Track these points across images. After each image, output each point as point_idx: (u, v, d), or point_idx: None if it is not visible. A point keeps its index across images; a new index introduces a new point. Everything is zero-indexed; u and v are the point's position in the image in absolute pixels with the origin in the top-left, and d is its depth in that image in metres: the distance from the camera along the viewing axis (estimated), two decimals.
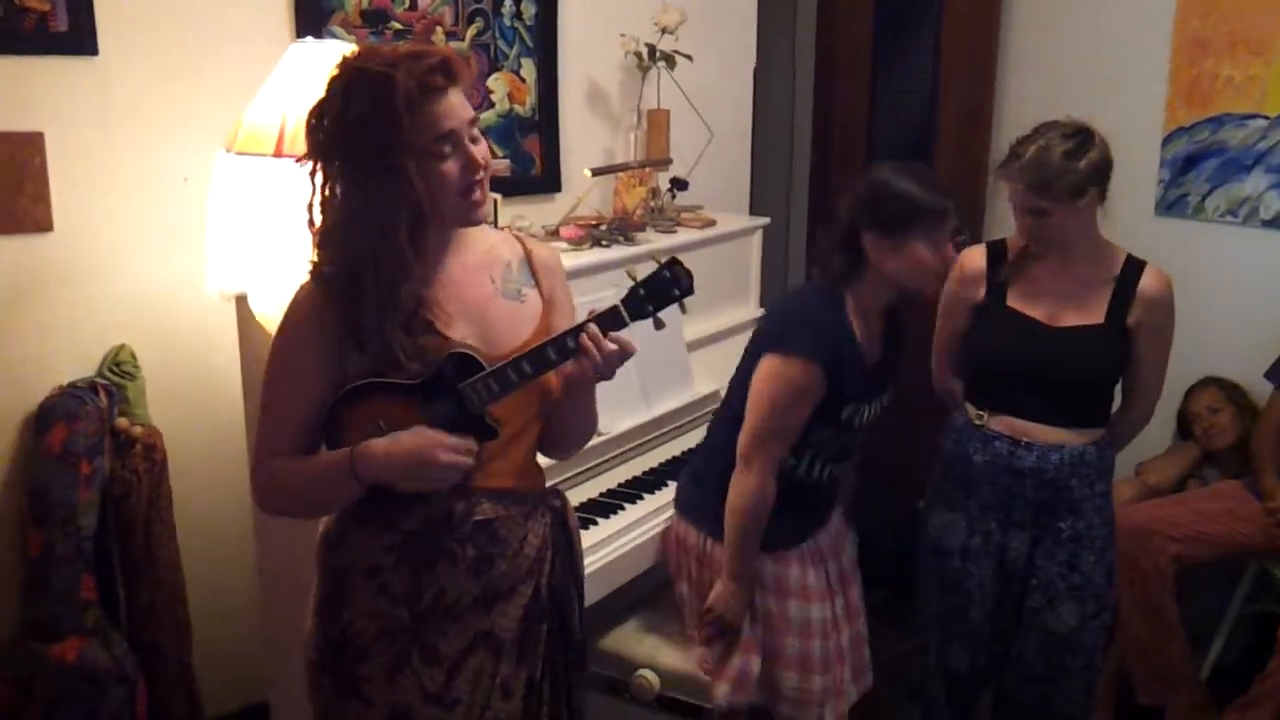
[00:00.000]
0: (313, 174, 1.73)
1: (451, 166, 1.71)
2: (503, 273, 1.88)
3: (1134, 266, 2.56)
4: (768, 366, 2.33)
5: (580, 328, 1.76)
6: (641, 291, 1.78)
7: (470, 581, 1.82)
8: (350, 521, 1.84)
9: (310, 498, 1.82)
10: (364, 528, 1.82)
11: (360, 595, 1.81)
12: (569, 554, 2.00)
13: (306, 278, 1.77)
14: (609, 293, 2.87)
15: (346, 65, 1.70)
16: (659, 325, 1.83)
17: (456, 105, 1.71)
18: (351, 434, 1.74)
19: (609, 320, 1.76)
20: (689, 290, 1.79)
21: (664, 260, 1.80)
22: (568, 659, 2.00)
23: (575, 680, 2.03)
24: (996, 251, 2.64)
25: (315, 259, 1.76)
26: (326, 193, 1.72)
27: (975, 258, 2.66)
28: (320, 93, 1.71)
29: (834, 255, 2.36)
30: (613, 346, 1.76)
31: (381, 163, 1.67)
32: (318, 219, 1.75)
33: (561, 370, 1.82)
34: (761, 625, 2.43)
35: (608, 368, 1.78)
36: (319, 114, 1.70)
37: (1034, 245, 2.52)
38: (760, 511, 2.37)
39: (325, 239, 1.74)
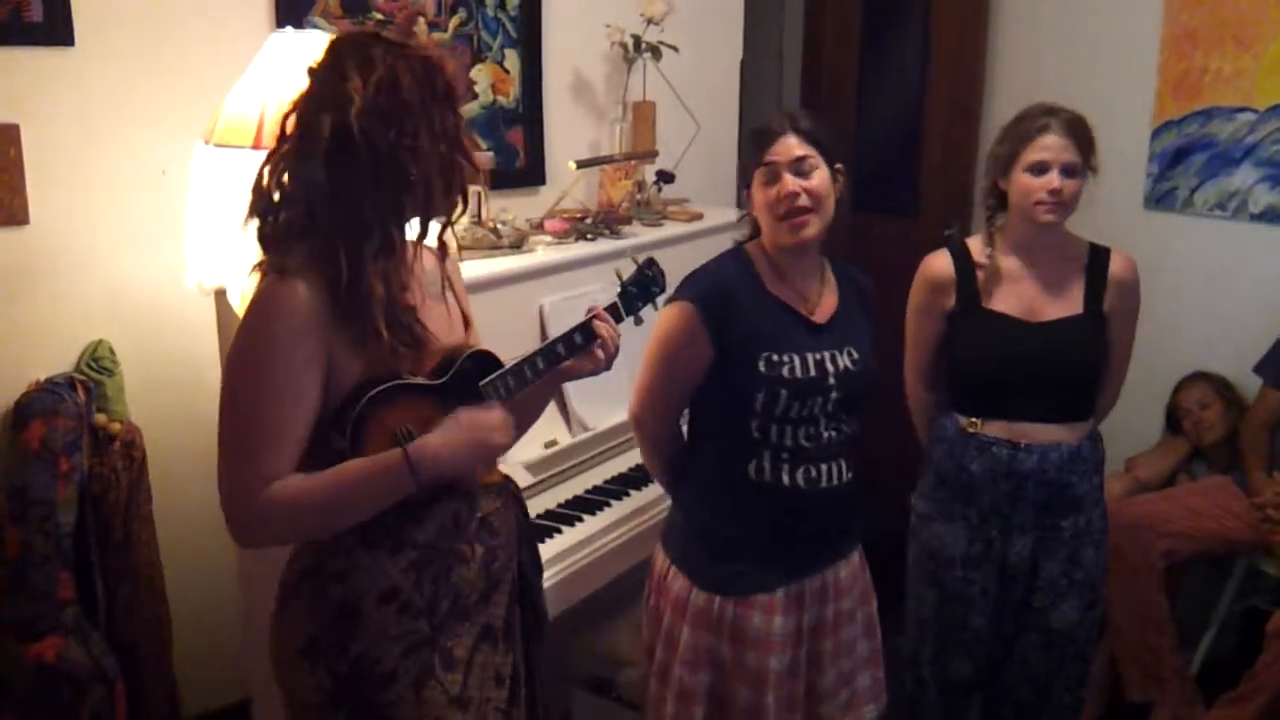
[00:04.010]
0: (331, 153, 1.64)
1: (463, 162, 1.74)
2: (426, 276, 1.87)
3: (1100, 253, 2.57)
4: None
5: (587, 324, 1.89)
6: (633, 290, 1.96)
7: (479, 578, 1.83)
8: (357, 550, 1.73)
9: (341, 513, 1.68)
10: (373, 552, 1.73)
11: (374, 622, 1.73)
12: (527, 532, 2.04)
13: (272, 278, 1.65)
14: (595, 286, 2.86)
15: (391, 45, 1.67)
16: (639, 321, 1.99)
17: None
18: (375, 441, 1.66)
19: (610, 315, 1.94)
20: (663, 289, 2.00)
21: (643, 260, 1.96)
22: (533, 635, 2.02)
23: (540, 656, 2.04)
24: (960, 255, 2.61)
25: (289, 251, 1.67)
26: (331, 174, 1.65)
27: (941, 264, 2.62)
28: (356, 68, 1.65)
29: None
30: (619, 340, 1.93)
31: (411, 143, 1.66)
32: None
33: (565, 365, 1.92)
34: (710, 670, 2.18)
35: (613, 360, 1.93)
36: (368, 88, 1.64)
37: (1053, 211, 2.46)
38: (660, 478, 2.37)
39: (322, 218, 1.66)
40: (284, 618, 1.79)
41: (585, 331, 1.90)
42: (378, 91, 1.62)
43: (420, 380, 1.71)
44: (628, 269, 2.04)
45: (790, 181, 2.09)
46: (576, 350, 1.89)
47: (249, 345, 1.65)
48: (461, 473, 1.73)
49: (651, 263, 1.99)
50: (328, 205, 1.65)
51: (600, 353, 1.91)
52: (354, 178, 1.64)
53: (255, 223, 1.71)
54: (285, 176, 1.68)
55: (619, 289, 2.00)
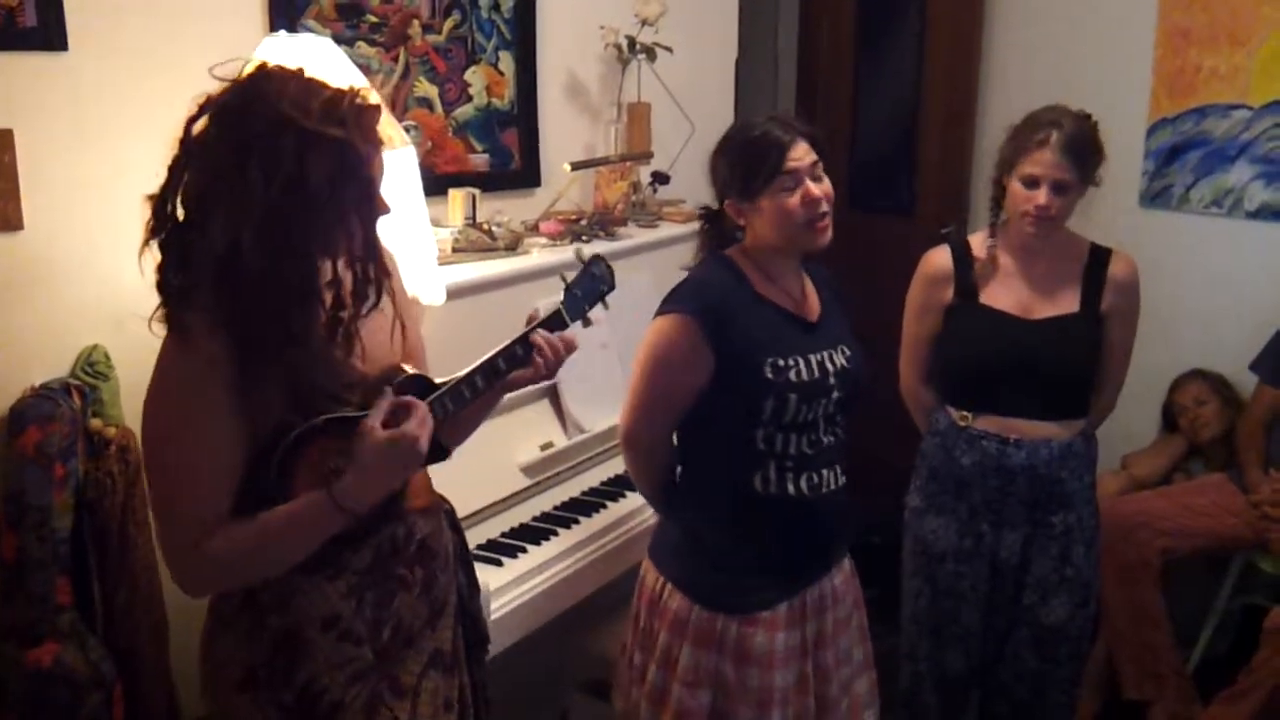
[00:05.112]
0: (242, 215, 1.53)
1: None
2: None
3: (1101, 253, 2.58)
4: (644, 336, 2.15)
5: (527, 336, 1.81)
6: (578, 292, 1.88)
7: (421, 604, 1.81)
8: (294, 576, 1.68)
9: (276, 560, 1.65)
10: (311, 578, 1.69)
11: (319, 649, 1.70)
12: (464, 554, 2.01)
13: (177, 338, 1.59)
14: None
15: (304, 133, 1.53)
16: (587, 324, 1.92)
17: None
18: (305, 479, 1.62)
19: (554, 323, 1.84)
20: (612, 286, 1.92)
21: (589, 258, 1.90)
22: (475, 658, 2.00)
23: (483, 678, 2.03)
24: (960, 250, 2.62)
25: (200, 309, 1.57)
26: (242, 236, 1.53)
27: (940, 258, 2.64)
28: (260, 163, 1.52)
29: (703, 230, 2.26)
30: (563, 351, 1.84)
31: (316, 251, 1.60)
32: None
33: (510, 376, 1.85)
34: (711, 690, 2.13)
35: (557, 368, 1.84)
36: (271, 190, 1.53)
37: (1035, 225, 2.48)
38: (653, 496, 2.28)
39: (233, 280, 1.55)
40: (216, 649, 1.75)
41: (526, 343, 1.83)
42: (282, 193, 1.52)
43: (348, 413, 1.65)
44: (575, 272, 1.97)
45: (814, 187, 2.07)
46: (519, 363, 1.81)
47: (160, 410, 1.62)
48: (390, 487, 1.68)
49: (598, 260, 1.92)
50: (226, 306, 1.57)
51: (541, 360, 1.83)
52: (248, 297, 1.55)
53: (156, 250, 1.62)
54: (191, 182, 1.60)
55: (563, 292, 1.91)
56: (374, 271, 1.65)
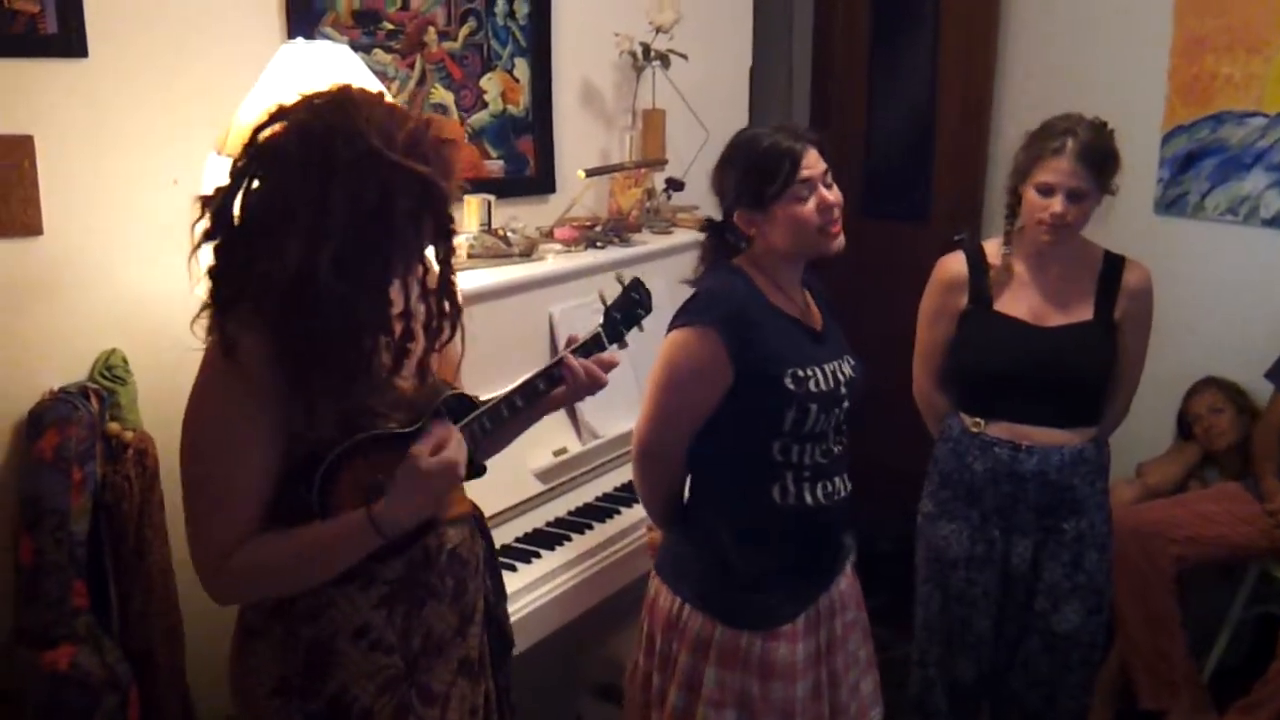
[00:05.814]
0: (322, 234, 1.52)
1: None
2: None
3: (1115, 261, 2.58)
4: (661, 348, 2.12)
5: (565, 359, 1.85)
6: (617, 315, 1.91)
7: (451, 612, 1.80)
8: (326, 588, 1.68)
9: (307, 576, 1.66)
10: (343, 589, 1.69)
11: (350, 659, 1.70)
12: (492, 560, 2.00)
13: (222, 352, 1.56)
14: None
15: (393, 165, 1.53)
16: (623, 345, 1.94)
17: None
18: (346, 495, 1.63)
19: (592, 346, 1.88)
20: (649, 309, 1.94)
21: (629, 281, 1.92)
22: (499, 663, 2.00)
23: (506, 683, 2.02)
24: (975, 257, 2.62)
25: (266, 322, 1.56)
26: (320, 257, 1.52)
27: (955, 264, 2.64)
28: (344, 189, 1.52)
29: (708, 243, 2.24)
30: (600, 372, 1.88)
31: (388, 281, 1.61)
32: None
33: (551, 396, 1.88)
34: (736, 708, 2.11)
35: (597, 386, 1.88)
36: (354, 220, 1.53)
37: (1051, 234, 2.48)
38: (662, 512, 2.25)
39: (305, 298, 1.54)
40: (248, 658, 1.75)
41: (566, 366, 1.86)
42: (366, 223, 1.53)
43: (391, 430, 1.65)
44: (612, 289, 1.98)
45: (828, 193, 2.08)
46: (558, 383, 1.84)
47: (201, 426, 1.63)
48: (427, 510, 1.67)
49: (638, 284, 1.92)
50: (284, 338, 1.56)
51: (575, 383, 1.85)
52: (315, 323, 1.55)
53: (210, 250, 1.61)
54: (254, 184, 1.59)
55: (603, 314, 1.93)
56: (449, 306, 1.67)
